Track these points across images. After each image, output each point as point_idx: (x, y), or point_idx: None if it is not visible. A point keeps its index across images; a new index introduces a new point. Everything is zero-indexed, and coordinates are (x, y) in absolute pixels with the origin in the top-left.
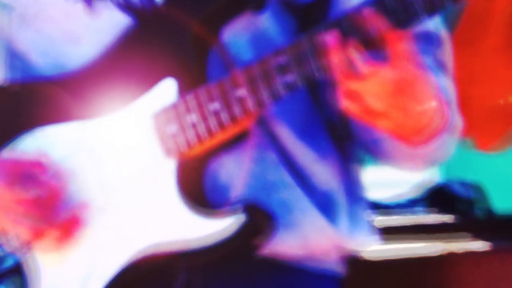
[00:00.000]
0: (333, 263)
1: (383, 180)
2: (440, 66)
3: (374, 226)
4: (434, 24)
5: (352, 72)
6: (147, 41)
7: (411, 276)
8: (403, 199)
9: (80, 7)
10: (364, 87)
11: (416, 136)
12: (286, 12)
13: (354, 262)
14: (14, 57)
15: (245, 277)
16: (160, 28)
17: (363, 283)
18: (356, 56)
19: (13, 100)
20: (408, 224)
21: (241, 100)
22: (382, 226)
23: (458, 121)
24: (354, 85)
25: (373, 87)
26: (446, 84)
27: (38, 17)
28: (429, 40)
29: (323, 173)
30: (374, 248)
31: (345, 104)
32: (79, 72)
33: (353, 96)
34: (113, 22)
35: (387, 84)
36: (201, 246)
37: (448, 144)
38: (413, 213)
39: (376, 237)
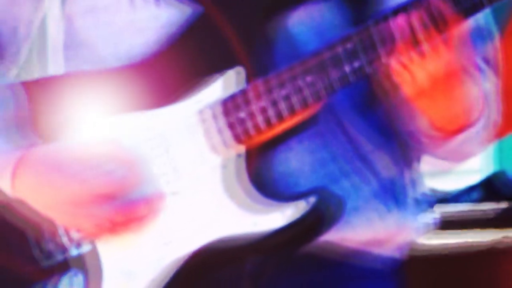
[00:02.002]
0: (392, 249)
1: (441, 169)
2: (486, 61)
3: (432, 213)
4: (485, 18)
5: (414, 47)
6: (212, 30)
7: (467, 262)
8: (460, 187)
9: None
10: (419, 62)
11: (451, 125)
12: (344, 3)
13: (413, 247)
14: (81, 48)
15: (314, 262)
16: (226, 16)
17: (421, 270)
18: (421, 33)
19: (82, 90)
20: (465, 212)
21: (310, 85)
22: (440, 214)
23: (495, 116)
24: (411, 58)
25: (427, 65)
26: (488, 78)
27: (107, 9)
28: (479, 35)
29: (386, 160)
30: (432, 235)
31: (396, 73)
32: (146, 62)
33: (406, 67)
34: (177, 11)
35: (441, 66)
36: (271, 229)
37: (481, 138)
38: (470, 200)
39: (435, 224)
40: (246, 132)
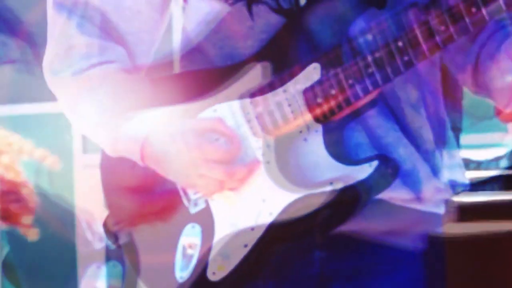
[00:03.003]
0: (433, 208)
1: (474, 141)
2: None
3: (466, 178)
4: None
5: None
6: (294, 36)
7: (496, 218)
8: (490, 157)
9: (244, 11)
10: None
11: None
12: (399, 4)
13: (450, 206)
14: (194, 52)
15: (368, 215)
16: (304, 24)
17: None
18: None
19: (194, 84)
20: (494, 177)
21: (371, 76)
22: (472, 178)
23: None
24: None
25: None
26: None
27: (214, 21)
28: None
29: (428, 135)
30: (465, 195)
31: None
32: (242, 61)
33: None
34: (267, 21)
35: None
36: (342, 187)
37: None
38: (498, 168)
39: (467, 186)
40: (324, 112)
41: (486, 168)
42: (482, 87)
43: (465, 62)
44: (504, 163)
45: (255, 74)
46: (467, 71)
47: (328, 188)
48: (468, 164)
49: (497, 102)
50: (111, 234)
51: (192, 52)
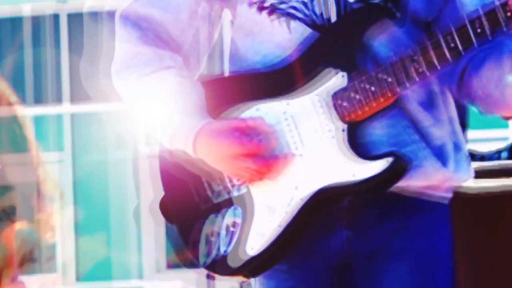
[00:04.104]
0: (443, 193)
1: (478, 136)
2: None
3: (471, 169)
4: None
5: None
6: (326, 47)
7: (497, 206)
8: (492, 149)
9: (284, 26)
10: None
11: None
12: (415, 25)
13: (457, 193)
14: (240, 58)
15: (390, 199)
16: (335, 38)
17: (462, 208)
18: None
19: (240, 86)
20: (496, 167)
21: (390, 83)
22: (477, 168)
23: None
24: None
25: None
26: None
27: (260, 33)
28: None
29: (438, 132)
30: (470, 183)
31: None
32: (281, 67)
33: None
34: (303, 35)
35: None
36: (363, 178)
37: None
38: (500, 159)
39: (472, 175)
40: (347, 113)
41: (489, 159)
42: (464, 94)
43: (454, 71)
44: (505, 154)
45: (293, 78)
46: (454, 80)
47: (351, 179)
48: (474, 156)
49: (480, 107)
50: (236, 186)
51: (239, 59)
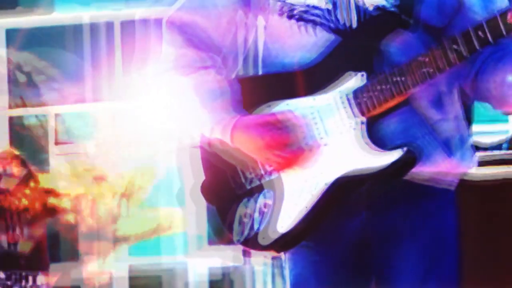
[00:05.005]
0: (449, 180)
1: (482, 130)
2: None
3: (475, 158)
4: None
5: None
6: (348, 50)
7: (499, 191)
8: (494, 141)
9: (311, 31)
10: None
11: None
12: (426, 31)
13: (462, 180)
14: (272, 59)
15: (403, 184)
16: (355, 42)
17: (467, 193)
18: None
19: (273, 84)
20: (497, 156)
21: (403, 82)
22: (480, 158)
23: None
24: None
25: None
26: None
27: (290, 38)
28: None
29: (445, 126)
30: (474, 171)
31: None
32: (308, 68)
33: None
34: (327, 39)
35: None
36: (381, 166)
37: None
38: (500, 150)
39: (476, 164)
40: (366, 108)
41: (491, 150)
42: (478, 93)
43: (469, 73)
44: (505, 145)
45: (319, 77)
46: (469, 80)
47: (370, 166)
48: (477, 147)
49: (492, 104)
50: (268, 172)
51: (271, 60)
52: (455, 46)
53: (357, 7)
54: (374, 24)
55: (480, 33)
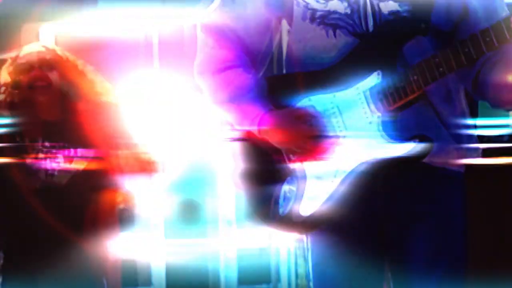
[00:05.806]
0: (458, 167)
1: (485, 123)
2: None
3: (480, 149)
4: None
5: None
6: (365, 51)
7: (501, 178)
8: (496, 134)
9: (331, 33)
10: None
11: None
12: (435, 35)
13: (469, 166)
14: (294, 60)
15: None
16: (372, 44)
17: (473, 179)
18: None
19: (297, 82)
20: (499, 147)
21: (416, 81)
22: (484, 149)
23: None
24: None
25: None
26: None
27: (310, 40)
28: None
29: (454, 120)
30: (479, 160)
31: None
32: (329, 69)
33: None
34: (346, 41)
35: None
36: (396, 155)
37: None
38: (502, 142)
39: (481, 152)
40: (382, 103)
41: (494, 142)
42: (478, 92)
43: (470, 73)
44: (506, 138)
45: (339, 76)
46: (470, 81)
47: (386, 156)
48: (481, 139)
49: (490, 102)
50: (292, 161)
51: (294, 60)
52: (466, 49)
53: (373, 12)
54: (389, 27)
55: (486, 37)
